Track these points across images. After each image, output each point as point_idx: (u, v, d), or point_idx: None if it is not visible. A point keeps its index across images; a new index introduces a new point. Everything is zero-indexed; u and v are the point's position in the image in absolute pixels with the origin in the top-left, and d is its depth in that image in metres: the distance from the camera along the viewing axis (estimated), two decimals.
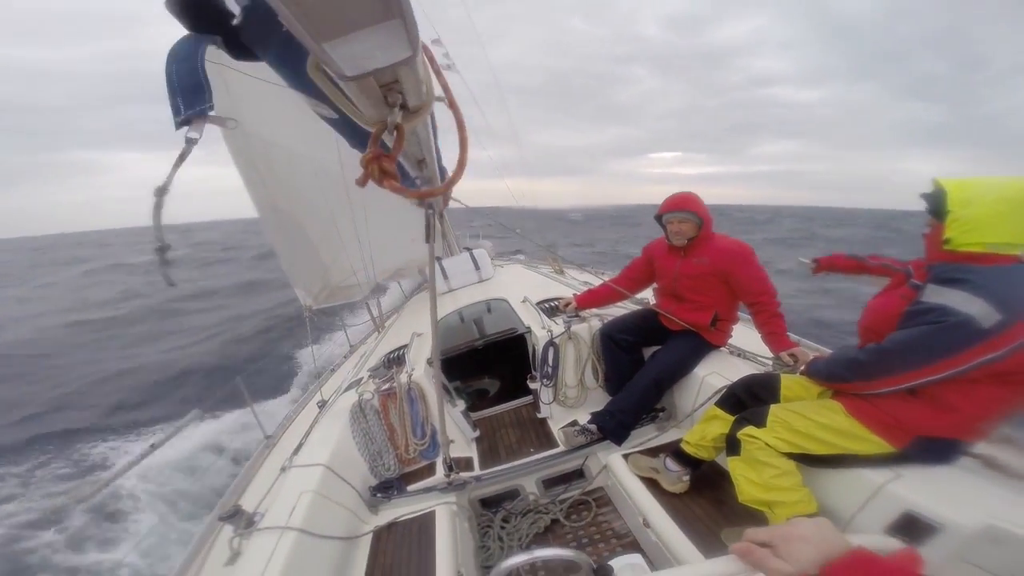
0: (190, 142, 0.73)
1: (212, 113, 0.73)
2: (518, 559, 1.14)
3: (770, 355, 2.47)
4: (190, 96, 0.70)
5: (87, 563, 4.86)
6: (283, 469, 2.43)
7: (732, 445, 1.87)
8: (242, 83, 2.93)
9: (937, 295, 1.46)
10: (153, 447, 2.33)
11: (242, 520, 1.99)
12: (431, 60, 0.76)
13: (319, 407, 3.12)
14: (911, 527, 1.48)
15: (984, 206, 1.41)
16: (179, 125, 0.73)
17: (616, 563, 1.21)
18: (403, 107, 0.70)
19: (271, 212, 3.97)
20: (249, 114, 3.32)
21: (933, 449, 1.57)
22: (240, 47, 0.77)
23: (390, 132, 0.69)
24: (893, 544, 0.93)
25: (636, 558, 1.23)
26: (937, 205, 1.51)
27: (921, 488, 1.52)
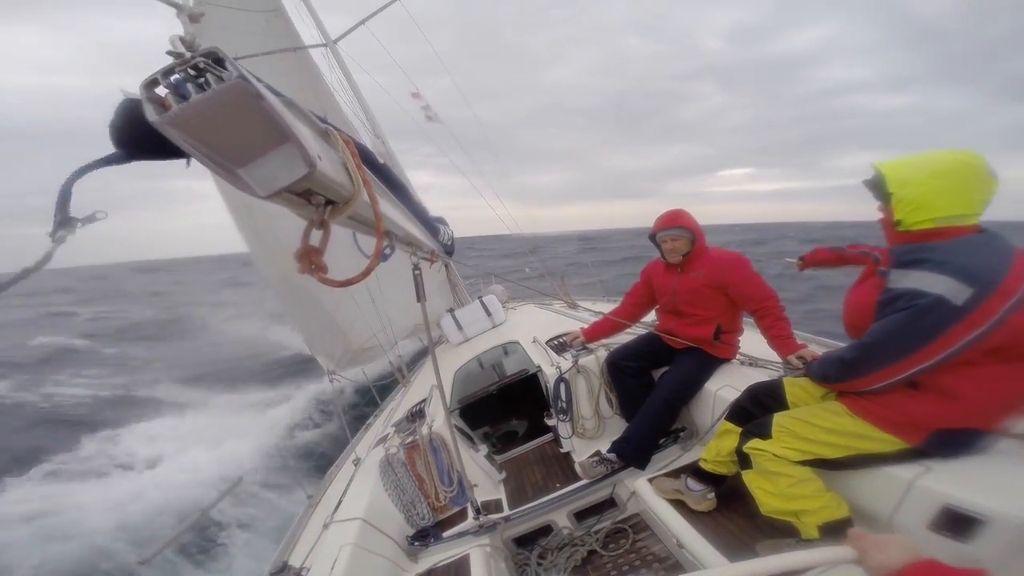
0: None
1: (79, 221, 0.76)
2: None
3: (780, 360, 2.47)
4: (60, 208, 0.74)
5: None
6: (325, 526, 2.52)
7: (743, 459, 1.86)
8: None
9: (903, 279, 1.46)
10: (203, 511, 2.49)
11: (290, 574, 2.10)
12: (353, 155, 0.87)
13: (355, 464, 3.22)
14: (953, 523, 1.40)
15: (921, 184, 1.42)
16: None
17: None
18: (330, 203, 0.81)
19: (284, 285, 4.15)
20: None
21: (954, 442, 1.50)
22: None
23: (318, 228, 0.80)
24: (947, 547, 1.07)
25: None
26: (879, 189, 1.53)
27: (955, 480, 1.45)
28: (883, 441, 1.58)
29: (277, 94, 0.71)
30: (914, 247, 1.47)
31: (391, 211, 1.53)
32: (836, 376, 1.72)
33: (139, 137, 0.67)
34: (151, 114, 0.57)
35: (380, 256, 0.91)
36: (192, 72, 0.59)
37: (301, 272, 0.80)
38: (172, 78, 0.59)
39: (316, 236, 0.81)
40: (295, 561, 2.26)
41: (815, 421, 1.70)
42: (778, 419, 1.78)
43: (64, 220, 0.71)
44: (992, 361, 1.39)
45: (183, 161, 0.73)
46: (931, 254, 1.41)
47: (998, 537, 1.32)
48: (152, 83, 0.59)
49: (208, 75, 0.58)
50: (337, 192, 0.81)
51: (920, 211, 1.43)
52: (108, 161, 0.73)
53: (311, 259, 0.78)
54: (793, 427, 1.73)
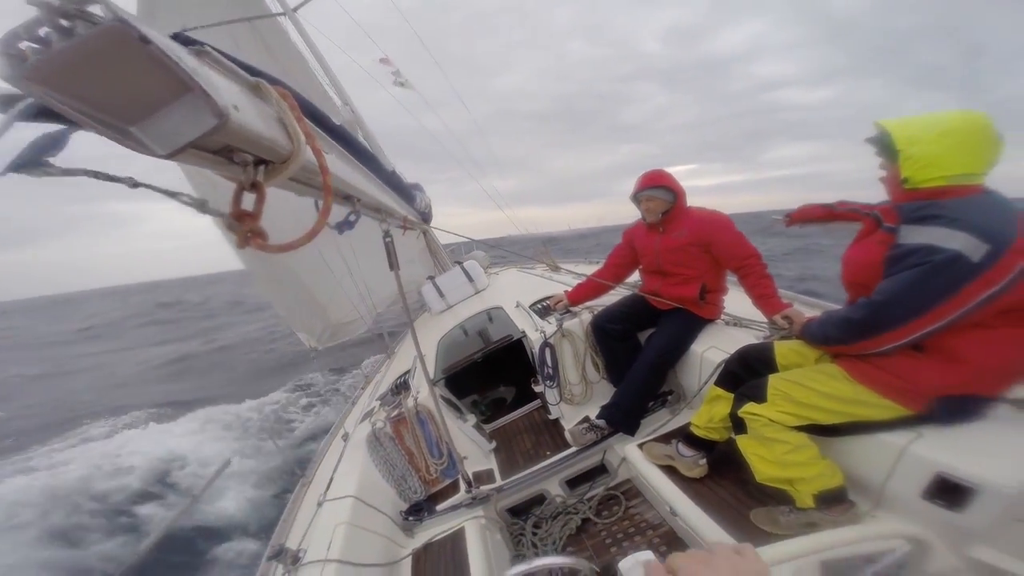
0: None
1: None
2: (516, 571, 1.15)
3: (765, 320, 2.42)
4: None
5: None
6: (319, 504, 2.49)
7: (737, 424, 1.82)
8: None
9: (915, 235, 1.40)
10: (194, 498, 2.43)
11: (287, 557, 2.08)
12: (291, 108, 0.75)
13: (344, 440, 3.17)
14: (947, 491, 1.38)
15: (931, 142, 1.38)
16: None
17: (624, 564, 1.18)
18: (263, 162, 0.69)
19: (259, 263, 4.01)
20: None
21: (954, 408, 1.46)
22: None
23: (249, 190, 0.68)
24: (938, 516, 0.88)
25: (647, 555, 1.20)
26: (885, 146, 1.48)
27: (948, 447, 1.42)
28: (883, 407, 1.54)
29: (191, 42, 0.59)
30: (924, 203, 1.41)
31: (352, 175, 1.40)
32: (839, 337, 1.65)
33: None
34: (4, 69, 0.45)
35: (327, 215, 0.79)
36: (64, 23, 0.47)
37: (239, 245, 0.68)
38: (40, 31, 0.47)
39: (250, 200, 0.70)
40: (291, 543, 2.24)
41: (811, 384, 1.65)
42: (773, 381, 1.73)
43: None
44: (1003, 323, 1.36)
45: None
46: (943, 210, 1.35)
47: (990, 506, 1.30)
48: (13, 38, 0.47)
49: (78, 22, 0.47)
50: (270, 149, 0.69)
51: (929, 168, 1.39)
52: None
53: (244, 224, 0.66)
54: (789, 391, 1.68)
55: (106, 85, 0.50)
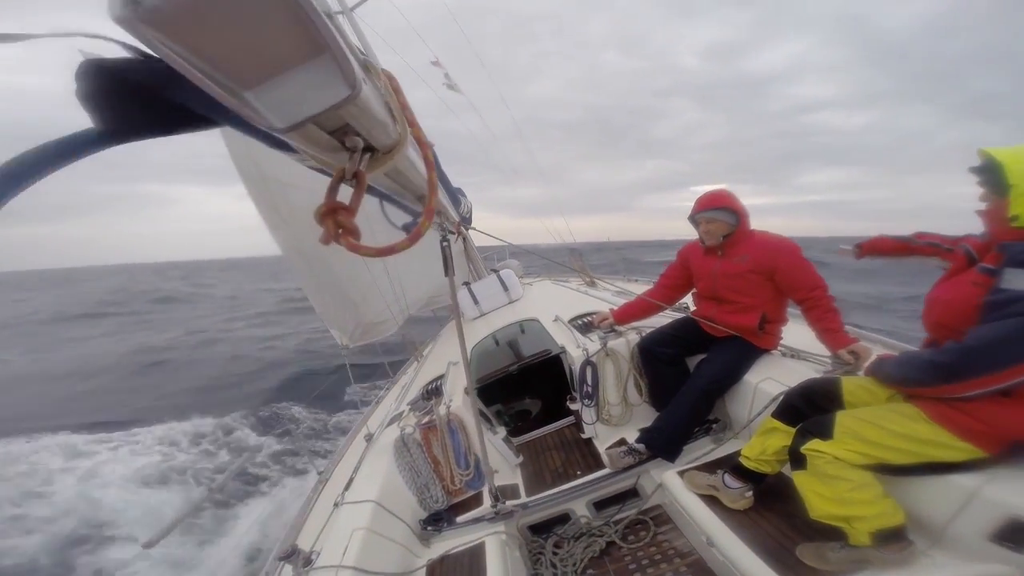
0: None
1: None
2: None
3: (827, 354, 2.30)
4: None
5: None
6: (336, 505, 2.43)
7: (796, 459, 1.72)
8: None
9: (1022, 280, 1.31)
10: (211, 491, 2.39)
11: (299, 560, 2.01)
12: (396, 91, 0.69)
13: (366, 440, 3.11)
14: (1019, 533, 1.33)
15: None
16: None
17: None
18: (369, 150, 0.63)
19: (297, 255, 4.01)
20: (266, 157, 3.33)
21: None
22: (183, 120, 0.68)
23: (349, 181, 0.62)
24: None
25: None
26: (994, 179, 1.38)
27: (1022, 491, 1.36)
28: (959, 450, 1.47)
29: None
30: None
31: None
32: (920, 380, 1.55)
33: (122, 99, 0.48)
34: (116, 8, 0.37)
35: (432, 216, 0.73)
36: None
37: (325, 240, 0.61)
38: None
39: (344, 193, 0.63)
40: (305, 544, 2.17)
41: (885, 424, 1.56)
42: (842, 419, 1.64)
43: None
44: None
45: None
46: None
47: None
48: None
49: None
50: (379, 135, 0.63)
51: None
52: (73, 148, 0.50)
53: (337, 219, 0.59)
54: (859, 429, 1.59)
55: (228, 36, 0.42)
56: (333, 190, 0.62)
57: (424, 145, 0.73)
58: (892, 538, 1.53)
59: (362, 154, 0.62)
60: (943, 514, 1.53)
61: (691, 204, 2.64)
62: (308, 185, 3.73)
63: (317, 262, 4.31)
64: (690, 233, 2.76)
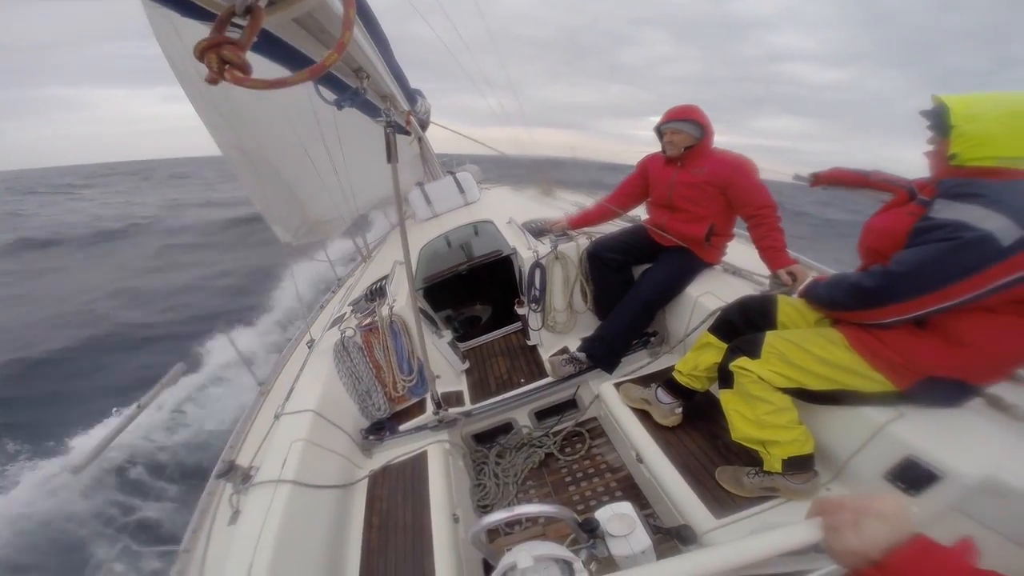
0: None
1: None
2: (494, 518, 1.08)
3: (767, 274, 2.33)
4: None
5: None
6: (276, 417, 2.36)
7: (724, 376, 1.77)
8: (193, 25, 2.65)
9: (949, 210, 1.33)
10: (140, 407, 2.24)
11: (238, 476, 1.95)
12: None
13: (308, 347, 3.03)
14: (911, 474, 1.40)
15: (991, 121, 1.31)
16: None
17: (602, 514, 1.13)
18: None
19: (238, 154, 3.73)
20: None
21: (940, 391, 1.46)
22: None
23: (240, 15, 0.51)
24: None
25: (625, 507, 1.15)
26: (939, 120, 1.39)
27: (925, 431, 1.42)
28: (871, 380, 1.52)
29: None
30: (966, 181, 1.35)
31: (365, 47, 1.21)
32: (846, 303, 1.58)
33: None
34: None
35: (343, 51, 0.63)
36: None
37: (210, 79, 0.52)
38: None
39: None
40: (244, 459, 2.11)
41: (809, 347, 1.60)
42: (771, 339, 1.67)
43: None
44: (1010, 311, 1.32)
45: None
46: (986, 190, 1.29)
47: (946, 495, 1.32)
48: None
49: None
50: None
51: (982, 147, 1.32)
52: None
53: (220, 53, 0.50)
54: (785, 350, 1.62)
55: None
56: (220, 26, 0.52)
57: None
58: (800, 466, 1.63)
59: None
60: (848, 448, 1.60)
61: (648, 133, 2.59)
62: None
63: (261, 161, 4.04)
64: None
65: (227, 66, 0.53)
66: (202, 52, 0.52)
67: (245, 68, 0.53)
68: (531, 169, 5.58)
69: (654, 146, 2.68)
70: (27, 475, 4.91)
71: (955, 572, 0.57)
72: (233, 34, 0.55)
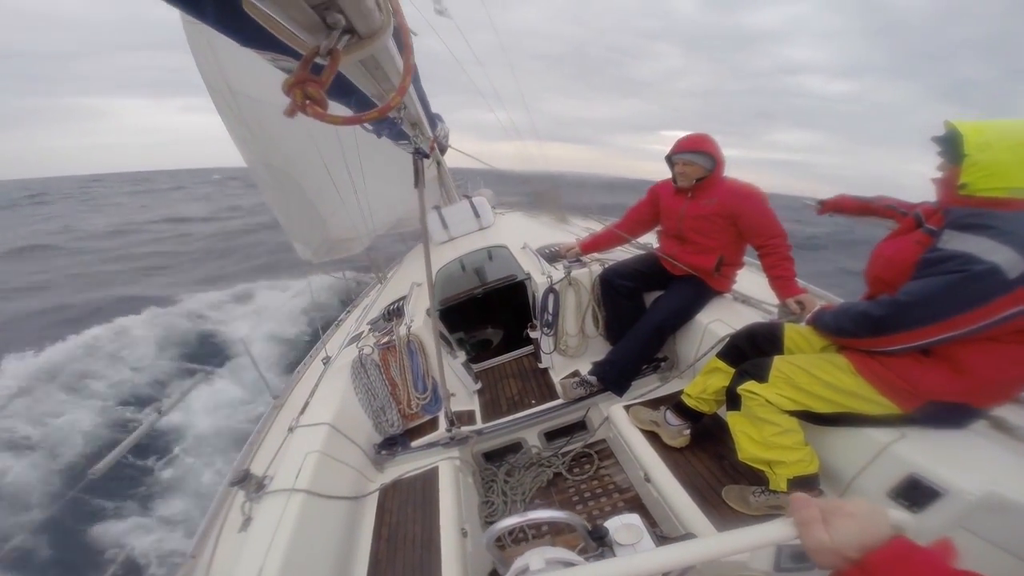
0: None
1: None
2: (511, 521, 1.11)
3: (776, 302, 2.39)
4: None
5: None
6: (290, 429, 2.40)
7: (732, 399, 1.82)
8: (227, 43, 2.81)
9: (957, 241, 1.37)
10: (160, 413, 2.28)
11: (252, 484, 1.99)
12: None
13: (324, 363, 3.09)
14: (913, 491, 1.44)
15: (1005, 151, 1.33)
16: None
17: (611, 524, 1.18)
18: (349, 31, 0.60)
19: (263, 168, 3.87)
20: (237, 73, 3.21)
21: (944, 413, 1.50)
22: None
23: (323, 58, 0.60)
24: (898, 515, 0.89)
25: (633, 518, 1.20)
26: (952, 148, 1.42)
27: (926, 451, 1.47)
28: (876, 404, 1.57)
29: None
30: (975, 211, 1.37)
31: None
32: (853, 331, 1.63)
33: None
34: None
35: (404, 92, 0.71)
36: None
37: (290, 112, 0.61)
38: None
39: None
40: (258, 468, 2.16)
41: (816, 372, 1.65)
42: (778, 363, 1.73)
43: None
44: (1015, 341, 1.35)
45: None
46: (995, 221, 1.31)
47: (947, 511, 1.36)
48: None
49: None
50: (362, 17, 0.60)
51: (994, 178, 1.34)
52: None
53: (305, 89, 0.58)
54: (792, 374, 1.68)
55: None
56: (305, 64, 0.60)
57: (406, 31, 0.71)
58: (806, 486, 1.66)
59: (341, 34, 0.60)
60: (852, 467, 1.64)
61: (660, 147, 2.65)
62: (277, 101, 3.55)
63: (285, 177, 4.18)
64: (657, 174, 2.79)
65: (308, 102, 0.62)
66: (290, 88, 0.60)
67: (324, 104, 0.62)
68: (541, 191, 5.67)
69: (662, 161, 2.71)
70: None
71: (935, 573, 0.58)
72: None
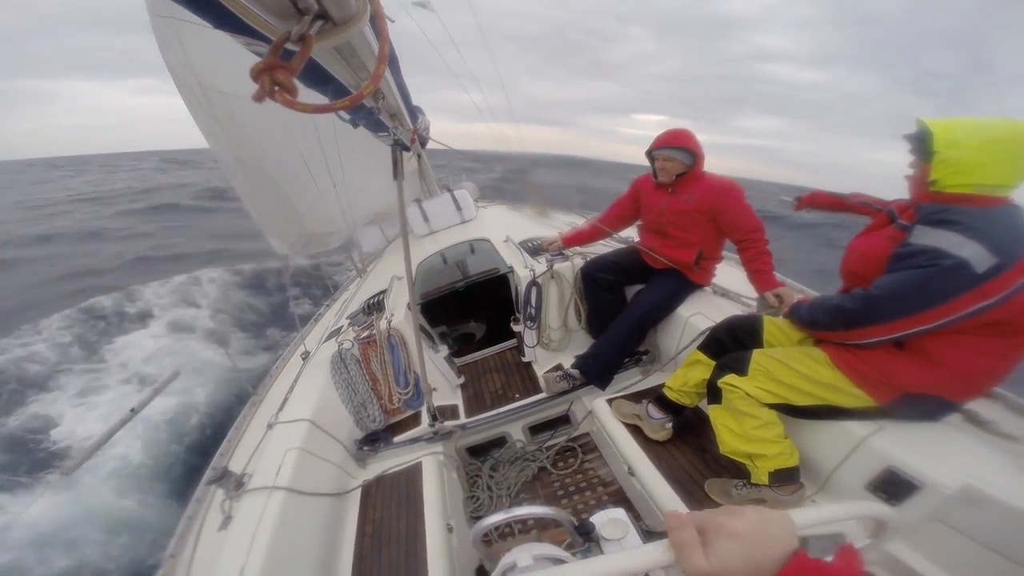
0: None
1: None
2: (497, 518, 1.10)
3: (755, 295, 2.42)
4: None
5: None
6: (269, 426, 2.35)
7: (713, 392, 1.84)
8: (197, 36, 2.72)
9: (927, 236, 1.40)
10: (134, 411, 2.22)
11: (231, 482, 1.95)
12: None
13: (303, 359, 3.04)
14: (892, 484, 1.47)
15: (972, 148, 1.35)
16: None
17: (597, 519, 1.18)
18: (324, 17, 0.58)
19: (236, 164, 3.77)
20: (207, 67, 3.12)
21: (919, 406, 1.53)
22: None
23: (295, 43, 0.58)
24: (874, 508, 0.88)
25: (619, 512, 1.20)
26: (922, 146, 1.45)
27: (904, 444, 1.50)
28: (853, 396, 1.60)
29: None
30: (944, 207, 1.41)
31: (386, 72, 1.28)
32: (827, 324, 1.66)
33: None
34: None
35: (378, 80, 0.69)
36: None
37: (258, 97, 0.58)
38: None
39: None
40: (236, 466, 2.11)
41: (794, 365, 1.68)
42: (757, 356, 1.75)
43: None
44: (984, 332, 1.38)
45: None
46: (963, 217, 1.35)
47: (925, 504, 1.38)
48: None
49: None
50: (337, 2, 0.58)
51: (961, 175, 1.37)
52: None
53: (274, 75, 0.56)
54: (771, 367, 1.70)
55: None
56: (275, 50, 0.58)
57: (381, 17, 0.68)
58: (786, 478, 1.69)
59: (314, 19, 0.57)
60: (832, 460, 1.67)
61: (632, 131, 2.64)
62: (251, 95, 3.46)
63: (259, 173, 4.08)
64: (629, 158, 2.78)
65: (276, 88, 0.59)
66: (257, 74, 0.58)
67: (293, 91, 0.59)
68: (527, 184, 5.66)
69: (636, 143, 2.74)
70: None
71: None
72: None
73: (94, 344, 8.04)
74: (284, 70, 0.56)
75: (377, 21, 0.69)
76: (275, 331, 8.48)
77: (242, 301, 10.01)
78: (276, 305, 9.54)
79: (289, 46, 0.61)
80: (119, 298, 9.80)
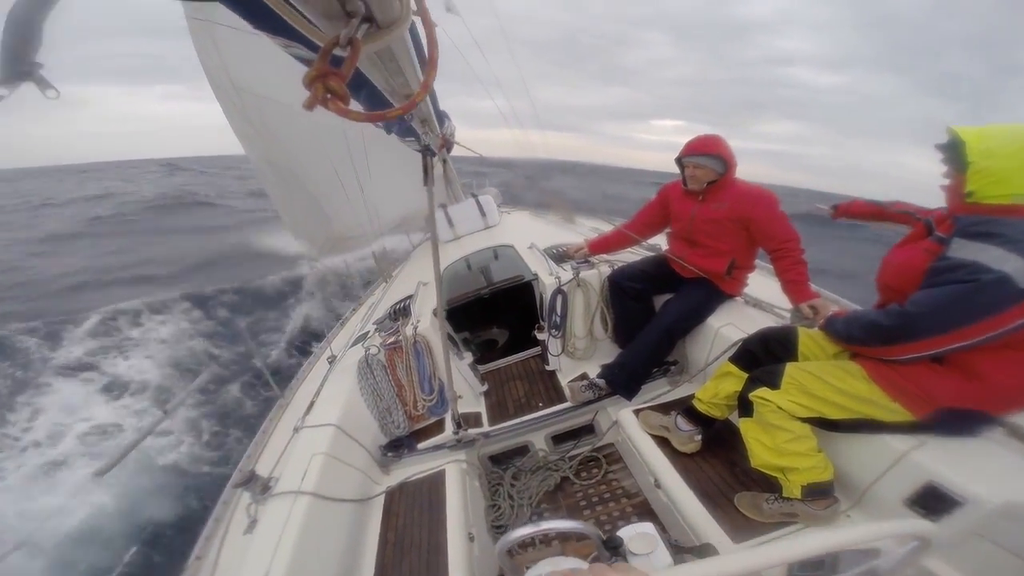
0: None
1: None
2: (525, 531, 1.08)
3: (788, 306, 2.35)
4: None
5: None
6: (296, 430, 2.38)
7: (744, 406, 1.79)
8: (231, 40, 2.78)
9: (966, 250, 1.36)
10: (166, 413, 2.26)
11: (257, 486, 1.97)
12: None
13: (329, 363, 3.07)
14: (932, 499, 1.43)
15: (1008, 157, 1.32)
16: None
17: (625, 533, 1.15)
18: (369, 20, 0.57)
19: (267, 166, 3.85)
20: (241, 70, 3.20)
21: (958, 421, 1.48)
22: None
23: (343, 48, 0.57)
24: (919, 525, 0.84)
25: (647, 527, 1.17)
26: (955, 156, 1.40)
27: (945, 458, 1.45)
28: (890, 410, 1.55)
29: None
30: (984, 219, 1.37)
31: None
32: (864, 340, 1.61)
33: None
34: None
35: (427, 88, 0.68)
36: None
37: (309, 105, 0.58)
38: None
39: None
40: (263, 469, 2.14)
41: (829, 379, 1.63)
42: (790, 370, 1.70)
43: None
44: None
45: None
46: (1004, 229, 1.31)
47: (966, 519, 1.34)
48: None
49: None
50: (383, 5, 0.57)
51: (999, 185, 1.34)
52: None
53: (327, 83, 0.55)
54: (805, 381, 1.65)
55: None
56: (324, 56, 0.57)
57: (429, 22, 0.68)
58: (820, 493, 1.64)
59: (360, 22, 0.57)
60: (869, 475, 1.62)
61: (650, 136, 2.61)
62: (282, 98, 3.54)
63: (289, 175, 4.17)
64: (645, 163, 2.74)
65: (329, 96, 0.58)
66: (311, 81, 0.57)
67: (346, 99, 0.59)
68: (544, 191, 5.64)
69: (654, 150, 2.70)
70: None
71: None
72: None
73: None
74: (336, 77, 0.56)
75: (425, 25, 0.68)
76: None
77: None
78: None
79: (337, 51, 0.61)
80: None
